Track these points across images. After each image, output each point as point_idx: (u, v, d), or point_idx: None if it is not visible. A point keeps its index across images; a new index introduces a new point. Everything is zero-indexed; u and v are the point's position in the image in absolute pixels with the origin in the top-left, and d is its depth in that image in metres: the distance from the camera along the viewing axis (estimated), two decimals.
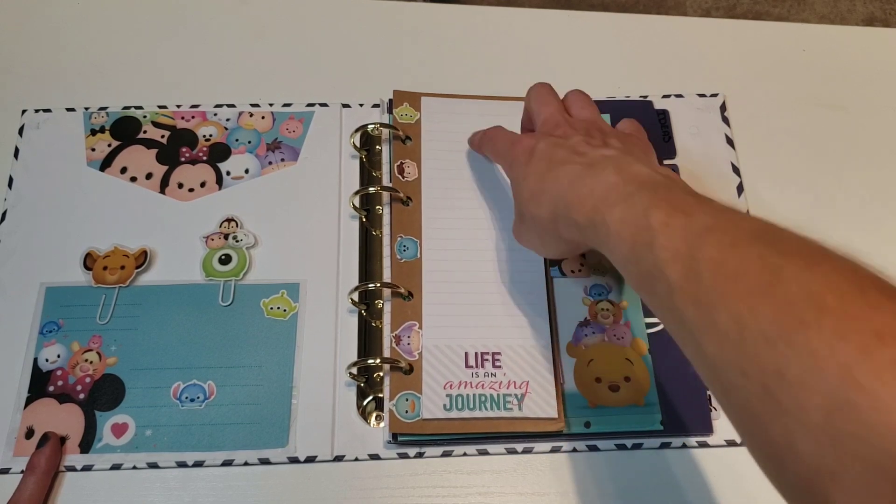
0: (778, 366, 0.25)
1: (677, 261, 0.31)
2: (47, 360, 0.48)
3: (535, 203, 0.42)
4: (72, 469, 0.46)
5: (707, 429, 0.47)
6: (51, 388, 0.48)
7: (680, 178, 0.46)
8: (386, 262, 0.51)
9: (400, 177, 0.53)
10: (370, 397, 0.48)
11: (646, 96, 0.59)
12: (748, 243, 0.29)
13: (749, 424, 0.28)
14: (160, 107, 0.57)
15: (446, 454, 0.47)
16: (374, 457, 0.46)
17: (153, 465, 0.46)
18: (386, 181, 0.54)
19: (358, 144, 0.56)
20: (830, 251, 0.28)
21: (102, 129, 0.56)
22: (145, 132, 0.56)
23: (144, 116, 0.57)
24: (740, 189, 0.55)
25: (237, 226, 0.53)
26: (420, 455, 0.46)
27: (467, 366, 0.48)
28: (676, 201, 0.34)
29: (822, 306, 0.25)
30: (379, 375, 0.48)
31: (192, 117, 0.57)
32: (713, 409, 0.48)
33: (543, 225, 0.42)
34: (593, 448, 0.47)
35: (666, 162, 0.56)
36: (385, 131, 0.56)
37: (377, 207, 0.53)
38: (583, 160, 0.40)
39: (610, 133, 0.44)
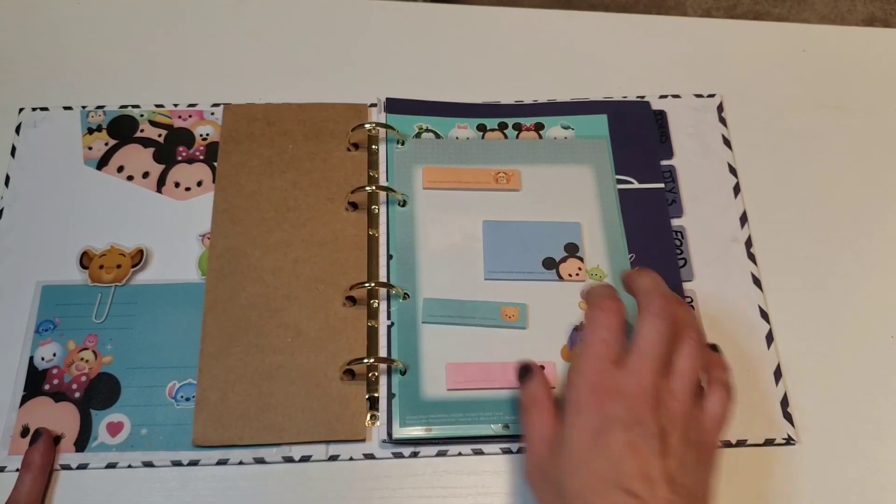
0: None
1: None
2: (43, 359, 0.48)
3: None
4: (67, 468, 0.46)
5: None
6: (46, 387, 0.48)
7: None
8: (382, 261, 0.51)
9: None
10: (366, 397, 0.48)
11: (643, 96, 0.59)
12: None
13: None
14: (157, 106, 0.57)
15: (441, 454, 0.46)
16: (369, 456, 0.46)
17: (148, 464, 0.46)
18: (383, 181, 0.54)
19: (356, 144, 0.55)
20: None
21: (99, 128, 0.56)
22: (142, 131, 0.56)
23: (142, 115, 0.57)
24: (737, 189, 0.55)
25: None
26: (415, 455, 0.46)
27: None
28: None
29: None
30: (374, 375, 0.48)
31: (190, 116, 0.57)
32: None
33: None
34: None
35: (663, 162, 0.56)
36: (382, 131, 0.55)
37: (373, 207, 0.53)
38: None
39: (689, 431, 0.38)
